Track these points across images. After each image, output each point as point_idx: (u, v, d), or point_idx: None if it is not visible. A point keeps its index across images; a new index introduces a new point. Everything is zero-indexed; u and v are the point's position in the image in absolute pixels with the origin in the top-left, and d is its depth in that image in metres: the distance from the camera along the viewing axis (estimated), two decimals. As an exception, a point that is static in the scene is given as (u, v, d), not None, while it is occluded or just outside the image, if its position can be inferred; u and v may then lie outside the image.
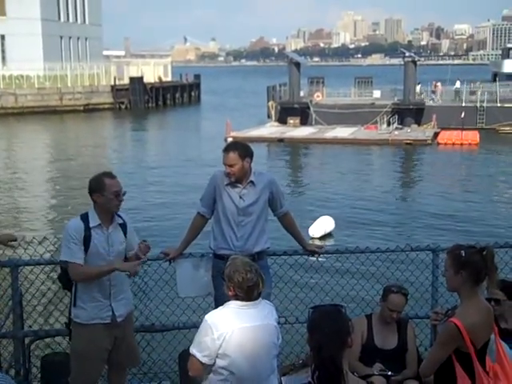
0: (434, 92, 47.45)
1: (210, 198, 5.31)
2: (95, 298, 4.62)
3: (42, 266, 5.84)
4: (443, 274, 3.92)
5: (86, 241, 4.50)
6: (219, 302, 4.83)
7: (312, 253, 5.54)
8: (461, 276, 3.73)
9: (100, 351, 4.72)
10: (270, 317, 3.72)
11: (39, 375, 5.64)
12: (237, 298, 3.69)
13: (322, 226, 17.54)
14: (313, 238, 16.60)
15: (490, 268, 3.73)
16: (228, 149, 5.15)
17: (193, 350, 3.63)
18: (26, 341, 5.62)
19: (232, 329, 3.57)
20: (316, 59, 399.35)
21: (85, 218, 4.56)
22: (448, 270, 3.81)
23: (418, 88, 46.75)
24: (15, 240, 5.19)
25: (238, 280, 3.65)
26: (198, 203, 5.41)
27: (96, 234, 4.54)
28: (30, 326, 6.19)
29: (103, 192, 4.50)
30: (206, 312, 5.44)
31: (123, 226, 4.71)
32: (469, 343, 3.65)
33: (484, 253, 3.75)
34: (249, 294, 3.66)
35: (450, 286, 3.85)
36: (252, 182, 5.19)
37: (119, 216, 4.72)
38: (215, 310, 3.74)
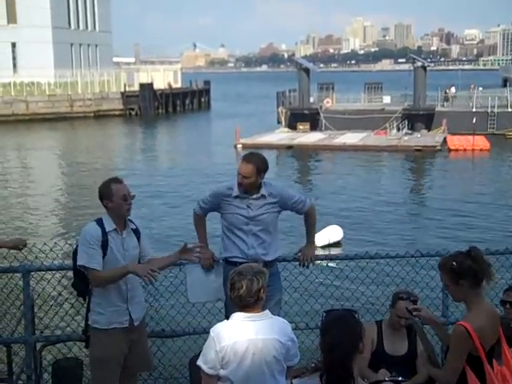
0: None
1: (211, 209, 5.34)
2: (113, 303, 4.64)
3: (54, 272, 5.87)
4: (442, 290, 3.93)
5: (104, 245, 4.55)
6: (229, 307, 4.84)
7: (301, 260, 5.42)
8: (462, 285, 3.76)
9: (119, 355, 4.73)
10: (277, 332, 3.66)
11: (50, 381, 5.65)
12: (236, 307, 3.69)
13: (326, 235, 17.36)
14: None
15: (482, 266, 3.75)
16: (247, 160, 5.09)
17: (199, 362, 3.67)
18: (38, 346, 5.64)
19: (233, 341, 3.58)
20: (325, 65, 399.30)
21: (100, 223, 4.61)
22: (449, 285, 3.84)
23: (453, 89, 48.22)
24: (25, 244, 5.22)
25: (229, 287, 3.66)
26: (196, 206, 5.38)
27: (112, 238, 4.59)
28: (42, 332, 6.22)
29: (112, 197, 4.58)
30: (216, 317, 5.48)
31: (136, 232, 4.77)
32: (479, 346, 3.67)
33: (472, 254, 3.78)
34: (238, 303, 3.63)
35: (456, 298, 3.88)
36: (263, 195, 5.16)
37: (132, 222, 4.77)
38: (220, 323, 3.75)
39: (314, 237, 5.57)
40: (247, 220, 5.15)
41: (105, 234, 4.56)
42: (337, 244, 17.68)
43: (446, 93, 48.31)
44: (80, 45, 70.50)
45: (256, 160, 5.10)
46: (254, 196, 5.15)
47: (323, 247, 16.74)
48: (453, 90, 49.77)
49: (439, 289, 5.74)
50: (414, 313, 4.02)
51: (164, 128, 56.22)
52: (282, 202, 5.24)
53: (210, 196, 5.31)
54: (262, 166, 5.10)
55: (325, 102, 47.27)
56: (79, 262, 4.55)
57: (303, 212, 5.37)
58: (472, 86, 50.64)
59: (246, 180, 5.06)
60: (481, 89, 49.99)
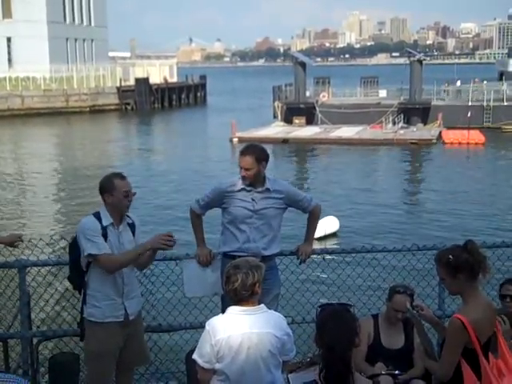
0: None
1: (210, 207, 5.30)
2: (109, 297, 4.63)
3: (49, 267, 5.85)
4: (438, 283, 3.92)
5: (103, 238, 4.53)
6: (226, 302, 4.84)
7: (298, 256, 5.42)
8: (459, 279, 3.77)
9: (114, 349, 4.72)
10: (272, 326, 3.65)
11: (47, 375, 5.65)
12: (231, 301, 3.68)
13: (322, 226, 17.31)
14: None
15: (478, 259, 3.77)
16: (245, 152, 5.09)
17: (195, 356, 3.67)
18: (34, 341, 5.63)
19: (228, 334, 3.57)
20: (321, 59, 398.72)
21: (97, 216, 4.59)
22: (445, 279, 3.85)
23: (458, 82, 49.17)
24: (21, 240, 5.21)
25: (225, 280, 3.65)
26: (194, 204, 5.33)
27: (110, 232, 4.58)
28: (38, 327, 6.21)
29: (113, 192, 4.55)
30: (212, 312, 5.48)
31: (132, 226, 4.75)
32: (474, 338, 3.68)
33: (468, 247, 3.79)
34: (233, 297, 3.63)
35: (453, 291, 3.89)
36: (268, 189, 5.15)
37: (128, 216, 4.75)
38: (215, 317, 3.74)
39: (313, 236, 5.57)
40: (251, 213, 5.13)
41: (103, 227, 4.54)
42: (333, 235, 17.66)
43: (446, 86, 48.67)
44: (75, 39, 70.17)
45: (253, 150, 5.11)
46: (259, 189, 5.14)
47: (319, 238, 16.71)
48: (458, 83, 49.99)
49: (436, 282, 5.75)
50: (420, 312, 4.04)
51: (160, 123, 56.12)
52: (288, 199, 5.23)
53: (211, 193, 5.26)
54: (260, 155, 5.09)
55: (321, 96, 47.27)
56: (88, 251, 4.47)
57: (308, 210, 5.37)
58: (476, 80, 50.74)
59: (249, 172, 5.05)
60: (485, 82, 50.07)
